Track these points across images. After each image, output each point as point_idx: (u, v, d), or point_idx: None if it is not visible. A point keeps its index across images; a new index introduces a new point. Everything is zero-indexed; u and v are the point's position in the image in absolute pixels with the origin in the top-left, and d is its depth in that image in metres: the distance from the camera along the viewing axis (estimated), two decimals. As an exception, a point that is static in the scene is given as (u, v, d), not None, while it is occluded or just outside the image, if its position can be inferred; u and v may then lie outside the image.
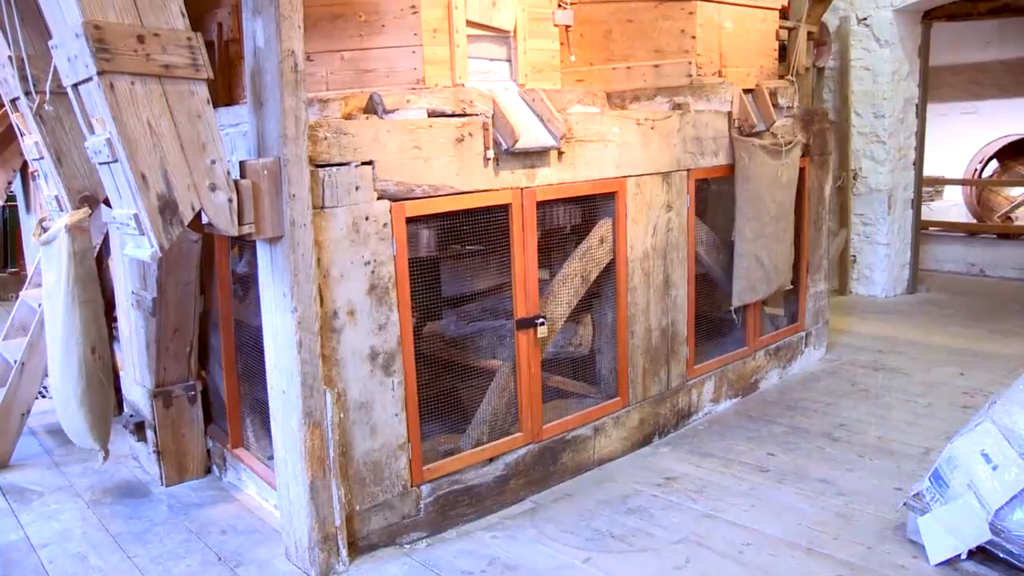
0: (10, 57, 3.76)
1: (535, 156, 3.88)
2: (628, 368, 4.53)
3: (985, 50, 10.41)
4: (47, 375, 4.39)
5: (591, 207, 4.34)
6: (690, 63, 4.84)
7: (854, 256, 8.46)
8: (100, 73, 2.67)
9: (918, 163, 8.52)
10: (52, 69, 3.50)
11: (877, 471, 4.26)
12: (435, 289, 4.09)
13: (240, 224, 3.05)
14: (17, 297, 5.21)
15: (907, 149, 8.34)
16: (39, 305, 4.62)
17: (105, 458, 4.07)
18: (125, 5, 2.74)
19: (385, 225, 3.37)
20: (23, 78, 3.73)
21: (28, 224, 6.98)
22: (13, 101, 4.04)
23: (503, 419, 4.02)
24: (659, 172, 4.54)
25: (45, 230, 4.00)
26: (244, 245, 4.20)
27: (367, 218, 3.32)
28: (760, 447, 4.64)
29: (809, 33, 6.43)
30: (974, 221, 10.41)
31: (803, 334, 6.04)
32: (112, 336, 4.75)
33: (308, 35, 3.21)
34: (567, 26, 4.33)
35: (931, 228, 9.95)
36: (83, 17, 2.64)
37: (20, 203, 7.10)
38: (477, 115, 3.69)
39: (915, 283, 8.68)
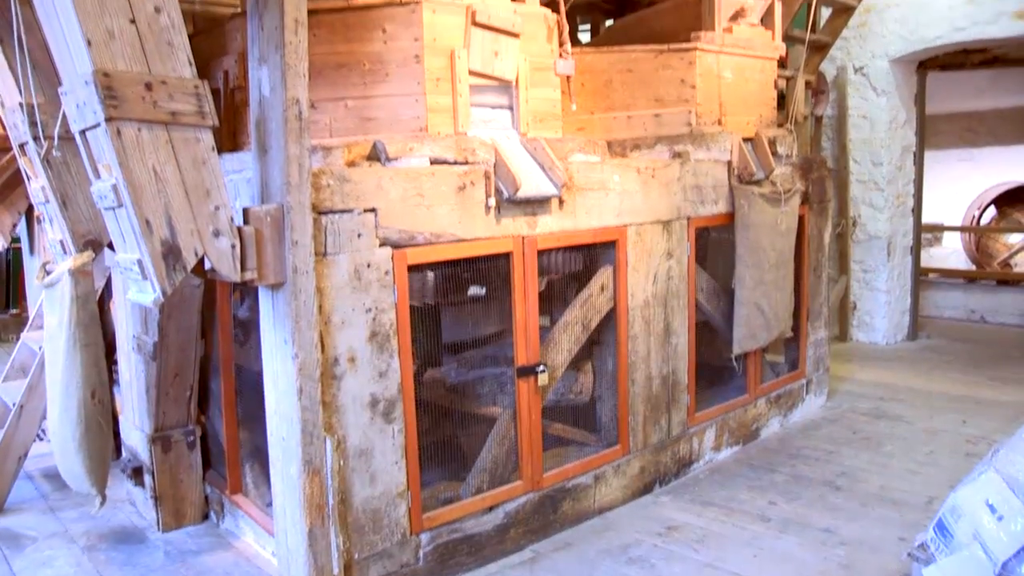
0: (20, 104, 3.81)
1: (536, 204, 3.91)
2: (629, 416, 4.52)
3: (980, 99, 10.54)
4: (45, 418, 4.38)
5: (592, 255, 4.37)
6: (690, 112, 4.90)
7: (854, 303, 8.47)
8: (108, 119, 2.71)
9: (916, 210, 8.57)
10: (61, 115, 3.54)
11: (880, 520, 4.23)
12: (436, 336, 4.10)
13: (243, 270, 3.06)
14: (18, 339, 5.21)
15: (905, 196, 8.40)
16: (40, 347, 4.62)
17: (102, 503, 4.04)
18: (134, 54, 2.78)
19: (387, 272, 3.39)
20: (32, 123, 3.78)
21: (32, 266, 7.02)
22: (21, 146, 4.08)
23: (503, 467, 4.00)
24: (659, 220, 4.57)
25: (49, 273, 4.02)
26: (246, 289, 4.21)
27: (369, 265, 3.34)
28: (762, 496, 4.61)
29: (807, 82, 6.52)
30: (973, 267, 10.44)
31: (804, 381, 6.02)
32: (112, 380, 4.74)
33: (313, 83, 3.25)
34: (568, 76, 4.38)
35: (931, 275, 9.98)
36: (93, 65, 2.68)
37: (24, 245, 7.14)
38: (479, 163, 3.73)
39: (915, 330, 8.68)
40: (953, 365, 7.49)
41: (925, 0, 7.49)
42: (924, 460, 5.08)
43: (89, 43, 2.68)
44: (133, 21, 2.77)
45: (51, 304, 3.97)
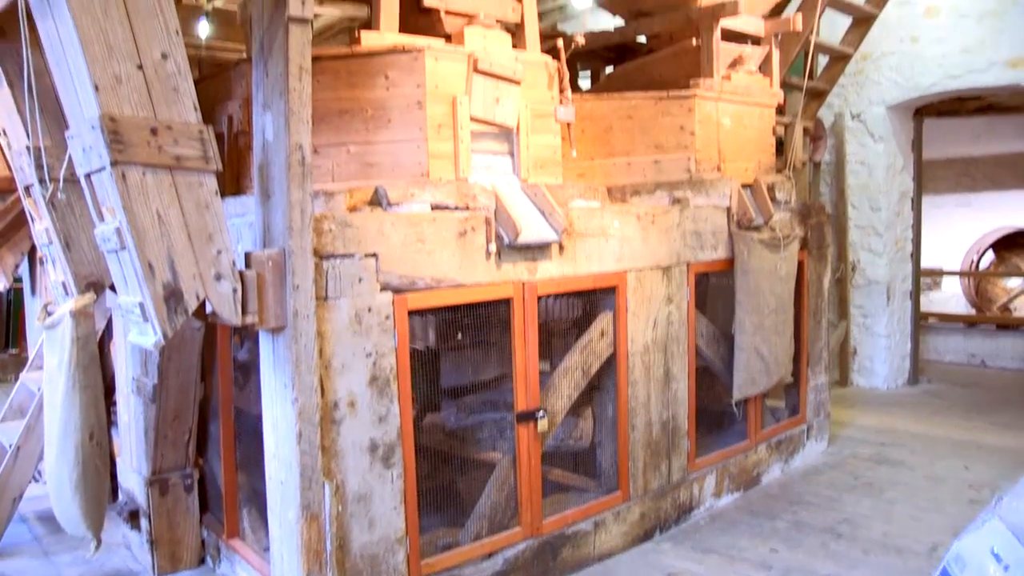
0: (28, 147, 3.85)
1: (537, 250, 3.94)
2: (629, 462, 4.49)
3: (976, 145, 10.65)
4: (42, 459, 4.35)
5: (592, 300, 4.38)
6: (689, 158, 4.95)
7: (854, 348, 8.46)
8: (113, 163, 2.74)
9: (915, 255, 8.61)
10: (67, 158, 3.58)
11: (883, 568, 4.19)
12: (436, 380, 4.10)
13: (244, 314, 3.07)
14: (17, 379, 5.20)
15: (904, 241, 8.44)
16: (39, 388, 4.61)
17: (97, 547, 4.00)
18: (141, 99, 2.82)
19: (387, 317, 3.40)
20: (39, 166, 3.81)
21: (33, 307, 7.01)
22: (27, 188, 4.12)
23: (502, 513, 3.97)
24: (659, 266, 4.59)
25: (50, 314, 4.03)
26: (246, 332, 4.21)
27: (370, 310, 3.35)
28: (763, 543, 4.56)
29: (805, 129, 6.59)
30: (973, 312, 10.45)
31: (805, 427, 6.00)
32: (110, 421, 4.72)
33: (316, 129, 3.29)
34: (569, 123, 4.44)
35: (930, 319, 9.99)
36: (100, 110, 2.71)
37: (26, 286, 7.15)
38: (480, 209, 3.76)
39: (916, 374, 8.66)
40: (954, 410, 7.47)
41: (919, 48, 7.61)
42: (927, 507, 5.04)
43: (97, 88, 2.72)
44: (140, 67, 2.81)
45: (51, 345, 3.97)
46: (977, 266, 10.71)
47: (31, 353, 5.42)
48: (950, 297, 11.01)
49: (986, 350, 9.57)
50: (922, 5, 7.59)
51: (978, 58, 7.28)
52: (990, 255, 10.85)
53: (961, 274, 10.72)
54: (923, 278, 9.48)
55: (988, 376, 9.02)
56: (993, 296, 10.63)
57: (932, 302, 10.78)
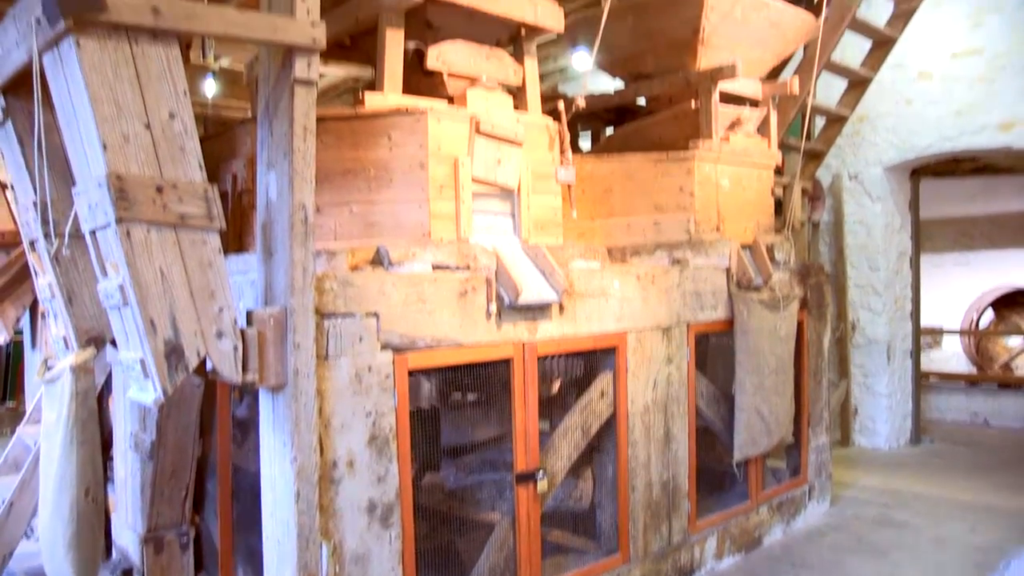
0: (35, 202, 3.89)
1: (537, 310, 3.95)
2: (629, 523, 4.45)
3: (972, 204, 10.76)
4: (35, 515, 4.31)
5: (592, 360, 4.39)
6: (689, 219, 5.00)
7: (855, 407, 8.43)
8: (118, 221, 2.76)
9: (915, 314, 8.63)
10: (72, 214, 3.61)
11: (887, 637, 4.12)
12: (435, 439, 4.09)
13: (244, 372, 3.07)
14: (13, 433, 5.18)
15: (903, 300, 8.46)
16: (35, 443, 4.58)
17: (89, 608, 3.94)
18: (147, 158, 2.85)
19: (387, 376, 3.40)
20: (44, 221, 3.84)
21: (32, 361, 7.01)
22: (32, 242, 4.14)
23: (502, 574, 3.91)
24: (659, 326, 4.60)
25: (50, 368, 4.02)
26: (246, 389, 4.21)
27: (370, 369, 3.35)
28: (765, 608, 4.50)
29: (804, 189, 6.66)
30: (974, 370, 10.43)
31: (806, 488, 5.95)
32: (106, 477, 4.68)
33: (319, 188, 3.33)
34: (569, 184, 4.49)
35: (931, 378, 9.96)
36: (107, 168, 2.75)
37: (27, 339, 7.16)
38: (480, 269, 3.79)
39: (919, 434, 8.61)
40: (958, 470, 7.41)
41: (915, 110, 7.74)
42: (932, 571, 4.97)
43: (105, 146, 2.76)
44: (148, 126, 2.86)
45: (50, 400, 3.96)
46: (977, 325, 10.73)
47: (29, 407, 5.41)
48: (951, 356, 11.00)
49: (989, 409, 9.53)
50: (915, 69, 7.74)
51: (971, 121, 7.41)
52: (990, 314, 10.88)
53: (961, 333, 10.74)
54: (923, 337, 9.49)
55: (992, 436, 8.96)
56: (994, 355, 10.63)
57: (933, 361, 10.77)
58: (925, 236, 9.35)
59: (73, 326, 3.99)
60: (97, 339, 4.03)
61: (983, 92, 7.34)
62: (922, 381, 9.00)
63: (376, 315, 3.37)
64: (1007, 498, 6.48)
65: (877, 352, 8.26)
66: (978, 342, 10.68)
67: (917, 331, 8.68)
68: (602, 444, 4.46)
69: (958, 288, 11.06)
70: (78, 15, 2.67)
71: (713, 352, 5.38)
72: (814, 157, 7.05)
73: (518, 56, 4.52)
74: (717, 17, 5.13)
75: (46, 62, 2.96)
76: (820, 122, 7.40)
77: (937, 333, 11.09)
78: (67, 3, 2.65)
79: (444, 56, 4.16)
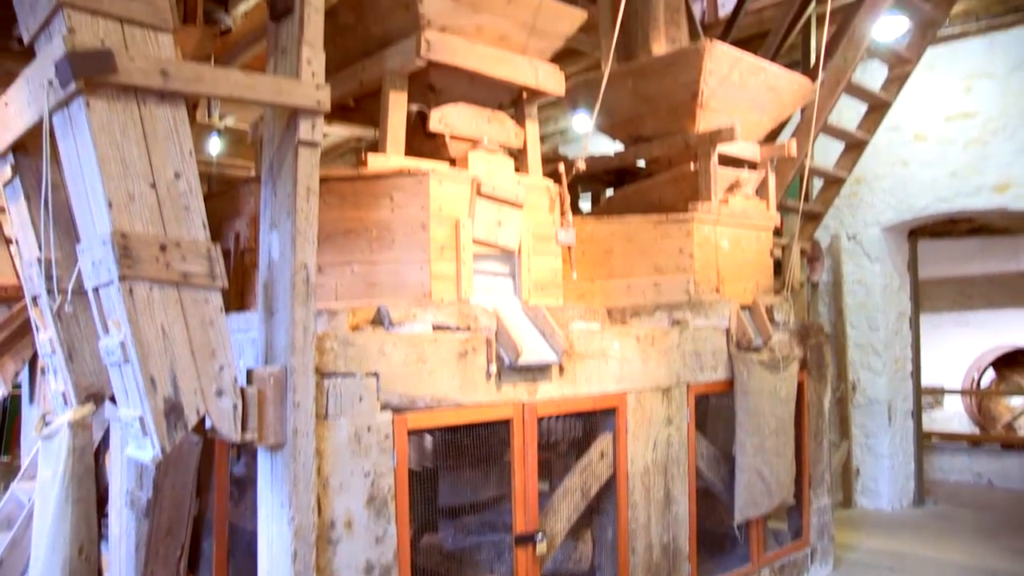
0: (39, 258, 3.92)
1: (537, 371, 3.96)
2: (628, 586, 4.39)
3: (970, 264, 10.80)
4: (26, 573, 4.25)
5: (592, 421, 4.38)
6: (688, 280, 5.03)
7: (857, 468, 8.36)
8: (122, 278, 2.78)
9: (915, 374, 8.61)
10: (76, 271, 3.64)
11: None
12: (434, 500, 4.06)
13: (243, 430, 3.06)
14: (7, 488, 5.13)
15: (903, 360, 8.46)
16: (29, 499, 4.54)
17: (78, 670, 3.86)
18: (152, 216, 2.89)
19: (387, 436, 3.39)
20: (48, 277, 3.87)
21: (29, 415, 6.99)
22: (34, 298, 4.16)
23: (498, 640, 3.86)
24: (659, 387, 4.60)
25: (48, 424, 4.01)
26: (244, 447, 4.19)
27: (369, 429, 3.34)
28: (767, 676, 4.41)
29: (802, 250, 6.71)
30: (977, 430, 10.37)
31: (808, 550, 5.87)
32: (100, 535, 4.63)
33: (321, 247, 3.36)
34: (569, 245, 4.54)
35: (933, 438, 9.89)
36: (112, 226, 2.77)
37: (25, 394, 7.14)
38: (481, 330, 3.80)
39: (922, 495, 8.52)
40: (963, 533, 7.31)
41: (911, 172, 7.83)
42: (936, 639, 4.89)
43: (110, 205, 2.79)
44: (153, 185, 2.90)
45: (47, 456, 3.94)
46: (978, 384, 10.70)
47: (24, 462, 5.37)
48: (952, 416, 10.95)
49: (993, 470, 9.45)
50: (911, 131, 7.85)
51: (966, 182, 7.50)
52: (991, 373, 10.85)
53: (962, 393, 10.70)
54: (924, 397, 9.45)
55: (997, 497, 8.87)
56: (996, 414, 10.57)
57: (934, 421, 10.71)
58: (924, 296, 9.38)
59: (73, 382, 3.99)
60: (96, 395, 4.03)
61: (977, 154, 7.45)
62: (924, 441, 8.94)
63: (376, 375, 3.38)
64: (1015, 562, 6.38)
65: (878, 412, 8.22)
66: (980, 402, 10.64)
67: (918, 391, 8.65)
68: (602, 505, 4.42)
69: (958, 348, 11.06)
70: (89, 77, 2.73)
71: (713, 413, 5.36)
72: (812, 218, 7.12)
73: (519, 119, 4.61)
74: (715, 81, 5.23)
75: (56, 121, 3.01)
76: (818, 183, 7.48)
77: (938, 393, 11.05)
78: (80, 65, 2.72)
79: (447, 119, 4.24)
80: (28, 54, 3.17)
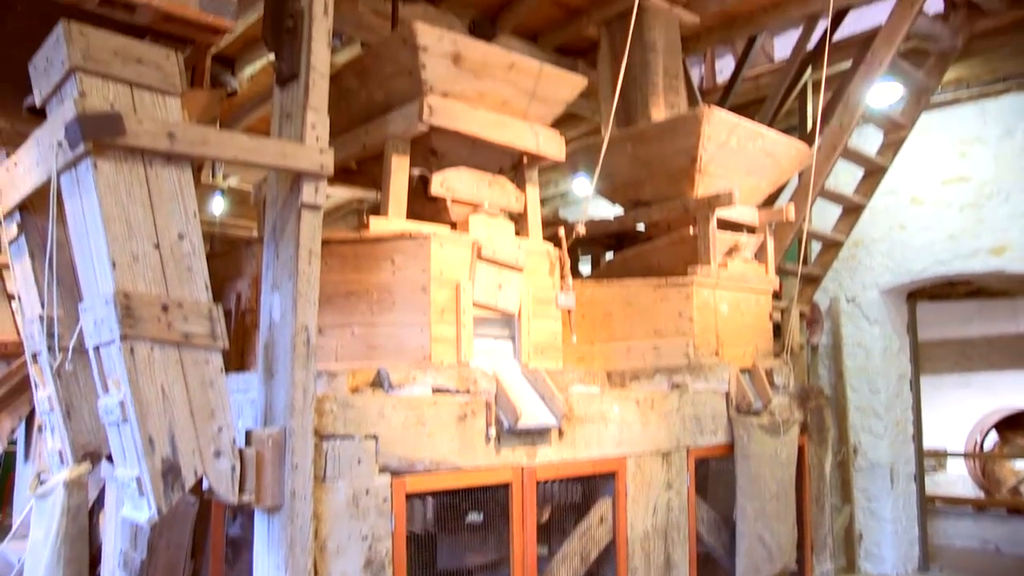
0: (41, 316, 3.94)
1: (536, 434, 3.95)
2: (628, 655, 4.31)
3: (969, 326, 10.84)
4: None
5: (591, 485, 4.35)
6: (688, 344, 5.03)
7: (860, 532, 8.25)
8: (123, 338, 2.79)
9: (917, 436, 8.54)
10: (78, 330, 3.65)
11: None
12: (432, 564, 4.00)
13: (240, 492, 3.05)
14: (-2, 548, 5.07)
15: (905, 423, 8.40)
16: (19, 559, 4.48)
17: None
18: (155, 276, 2.91)
19: (385, 500, 3.36)
20: (49, 335, 3.88)
21: (23, 473, 6.94)
22: (34, 355, 4.17)
23: None
24: (659, 451, 4.58)
25: (43, 483, 3.98)
26: (240, 508, 4.14)
27: (367, 492, 3.32)
28: None
29: (802, 313, 6.72)
30: (982, 494, 10.24)
31: (811, 618, 5.77)
32: (92, 598, 4.56)
33: (321, 309, 3.38)
34: (569, 309, 4.56)
35: (937, 502, 9.78)
36: (115, 286, 2.80)
37: (20, 451, 7.10)
38: (480, 393, 3.80)
39: (927, 560, 8.39)
40: (970, 602, 7.19)
41: (908, 235, 7.89)
42: None
43: (114, 265, 2.82)
44: (157, 246, 2.93)
45: (40, 516, 3.90)
46: (981, 447, 10.60)
47: (15, 521, 5.32)
48: (956, 479, 10.83)
49: (999, 535, 9.31)
50: (907, 195, 7.93)
51: (963, 245, 7.55)
52: (994, 436, 10.76)
53: (965, 456, 10.60)
54: (927, 460, 9.38)
55: (1005, 564, 8.72)
56: (1001, 478, 10.45)
57: (938, 484, 10.59)
58: (924, 358, 9.37)
59: (70, 440, 3.97)
60: (93, 454, 4.01)
61: (973, 218, 7.52)
62: (928, 505, 8.84)
63: (375, 437, 3.37)
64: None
65: (880, 476, 8.15)
66: (984, 465, 10.53)
67: (920, 454, 8.58)
68: (601, 571, 4.36)
69: (960, 410, 11.00)
70: (98, 139, 2.78)
71: (713, 477, 5.32)
72: (811, 281, 7.15)
73: (520, 183, 4.66)
74: (714, 146, 5.31)
75: (63, 182, 3.06)
76: (816, 247, 7.53)
77: (941, 456, 10.96)
78: (89, 128, 2.77)
79: (448, 182, 4.29)
80: (39, 117, 3.23)
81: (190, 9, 3.08)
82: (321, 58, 3.32)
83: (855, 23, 7.24)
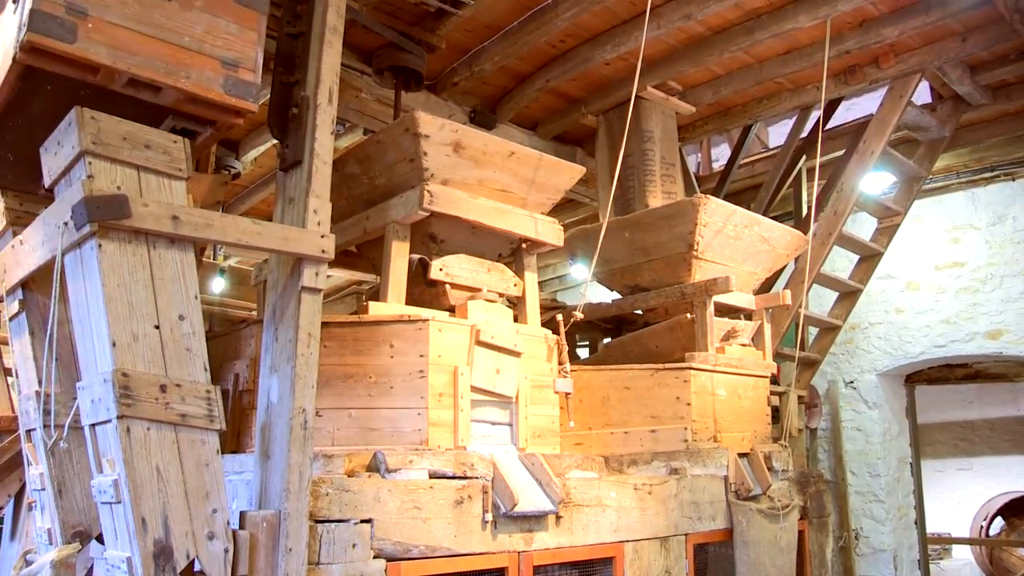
0: (37, 392, 3.93)
1: (533, 520, 3.91)
2: None
3: (969, 410, 10.81)
4: None
5: (588, 572, 4.27)
6: (686, 429, 5.01)
7: (864, 622, 8.07)
8: (120, 417, 2.79)
9: (920, 522, 8.42)
10: (74, 408, 3.64)
11: None
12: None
13: (233, 575, 3.01)
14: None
15: (907, 508, 8.30)
16: (4, 646, 4.37)
17: None
18: (154, 357, 2.92)
19: (379, 586, 3.32)
20: (45, 412, 3.86)
21: (7, 552, 6.79)
22: (28, 432, 4.15)
23: None
24: (657, 537, 4.52)
25: (29, 563, 3.92)
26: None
27: (361, 577, 3.28)
28: None
29: (800, 397, 6.71)
30: (989, 583, 10.03)
31: None
32: None
33: (319, 392, 3.38)
34: (567, 393, 4.56)
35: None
36: (114, 365, 2.80)
37: (6, 530, 6.96)
38: (477, 478, 3.78)
39: (935, 653, 8.19)
40: None
41: (905, 319, 7.94)
42: None
43: (114, 344, 2.83)
44: (158, 327, 2.95)
45: (26, 599, 3.83)
46: (987, 533, 10.39)
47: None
48: (962, 565, 10.62)
49: (1010, 626, 9.11)
50: (903, 280, 8.01)
51: (959, 329, 7.60)
52: (999, 521, 10.57)
53: (970, 542, 10.40)
54: (931, 545, 9.21)
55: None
56: (1010, 565, 10.20)
57: (944, 571, 10.38)
58: (926, 441, 9.32)
59: (60, 519, 3.92)
60: (83, 534, 3.95)
61: (968, 302, 7.59)
62: (934, 595, 8.67)
63: (371, 522, 3.34)
64: None
65: (883, 562, 8.00)
66: (990, 551, 10.31)
67: (923, 539, 8.44)
68: (599, 662, 4.27)
69: (963, 494, 10.87)
70: (104, 221, 2.83)
71: (713, 563, 5.23)
72: (809, 365, 7.16)
73: (519, 269, 4.71)
74: (710, 233, 5.38)
75: (67, 261, 3.09)
76: (814, 331, 7.57)
77: (945, 542, 10.76)
78: (95, 210, 2.82)
79: (447, 268, 4.34)
80: (50, 198, 3.29)
81: (214, 91, 3.15)
82: (325, 146, 3.40)
83: (847, 112, 7.44)
